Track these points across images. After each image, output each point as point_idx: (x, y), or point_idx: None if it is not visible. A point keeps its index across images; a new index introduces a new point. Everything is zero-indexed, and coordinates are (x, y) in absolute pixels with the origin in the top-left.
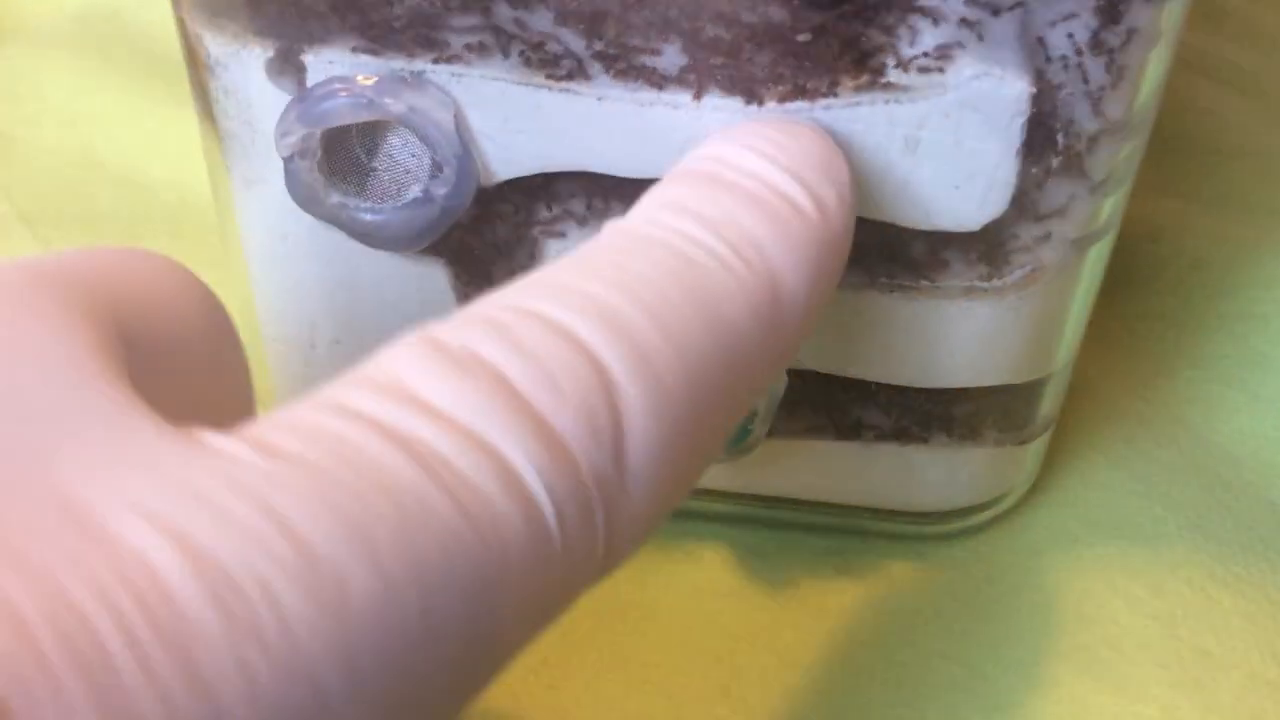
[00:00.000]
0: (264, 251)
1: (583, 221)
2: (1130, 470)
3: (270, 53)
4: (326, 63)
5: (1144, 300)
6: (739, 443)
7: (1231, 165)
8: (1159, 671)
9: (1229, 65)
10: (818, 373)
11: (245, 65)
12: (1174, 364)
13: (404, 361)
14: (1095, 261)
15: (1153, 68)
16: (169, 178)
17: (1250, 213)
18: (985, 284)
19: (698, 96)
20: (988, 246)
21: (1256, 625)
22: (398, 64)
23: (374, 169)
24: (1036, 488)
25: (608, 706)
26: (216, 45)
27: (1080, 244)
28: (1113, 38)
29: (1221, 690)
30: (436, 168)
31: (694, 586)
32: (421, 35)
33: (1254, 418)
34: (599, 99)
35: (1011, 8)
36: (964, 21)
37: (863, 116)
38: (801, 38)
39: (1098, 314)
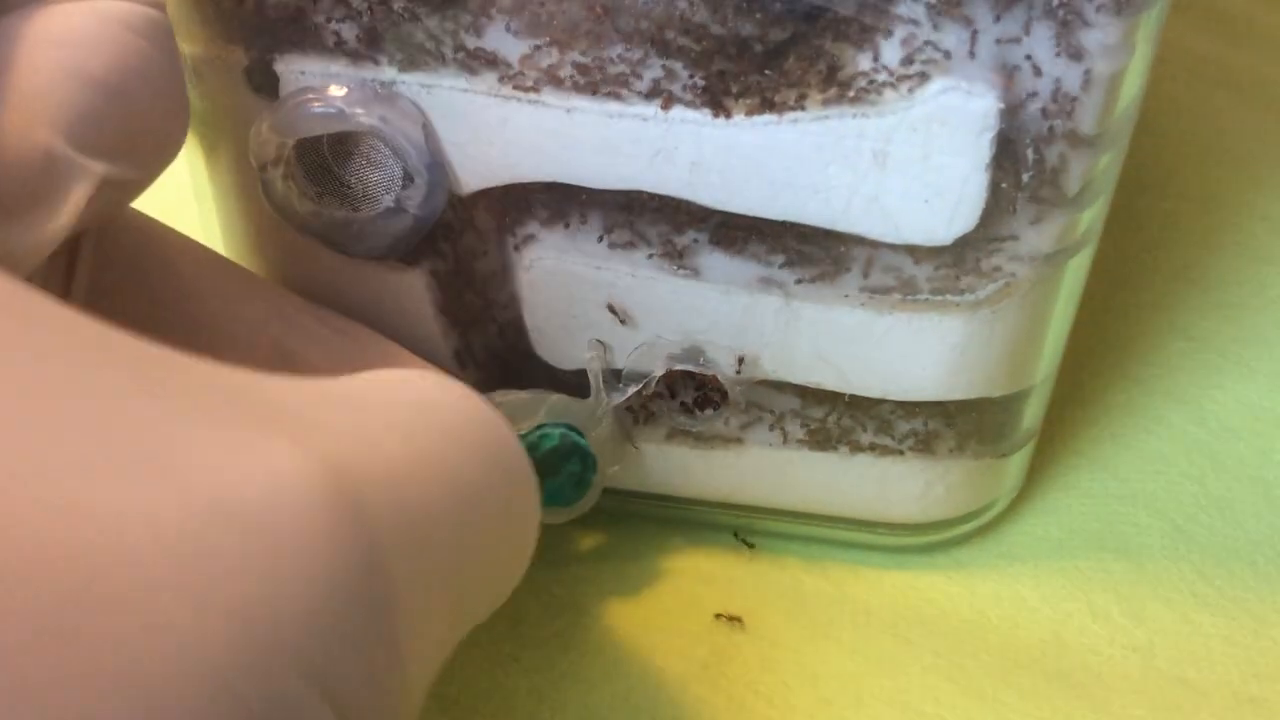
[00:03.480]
0: (244, 258)
1: (554, 231)
2: (1114, 472)
3: (244, 62)
4: (298, 73)
5: (1137, 293)
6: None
7: (1226, 168)
8: (1138, 698)
9: (1225, 68)
10: (794, 385)
11: (220, 73)
12: (1167, 338)
13: None
14: (1074, 274)
15: (1128, 81)
16: (165, 178)
17: (1244, 218)
18: (958, 298)
19: (666, 108)
20: (959, 261)
21: (1237, 646)
22: (368, 75)
23: (346, 179)
24: (1021, 496)
25: (586, 689)
26: (192, 54)
27: (1056, 258)
28: (1084, 52)
29: (1202, 715)
30: (408, 178)
31: (675, 570)
32: (390, 46)
33: (1250, 387)
34: (568, 111)
35: (997, 19)
36: (932, 36)
37: (831, 130)
38: (770, 50)
39: (1090, 311)
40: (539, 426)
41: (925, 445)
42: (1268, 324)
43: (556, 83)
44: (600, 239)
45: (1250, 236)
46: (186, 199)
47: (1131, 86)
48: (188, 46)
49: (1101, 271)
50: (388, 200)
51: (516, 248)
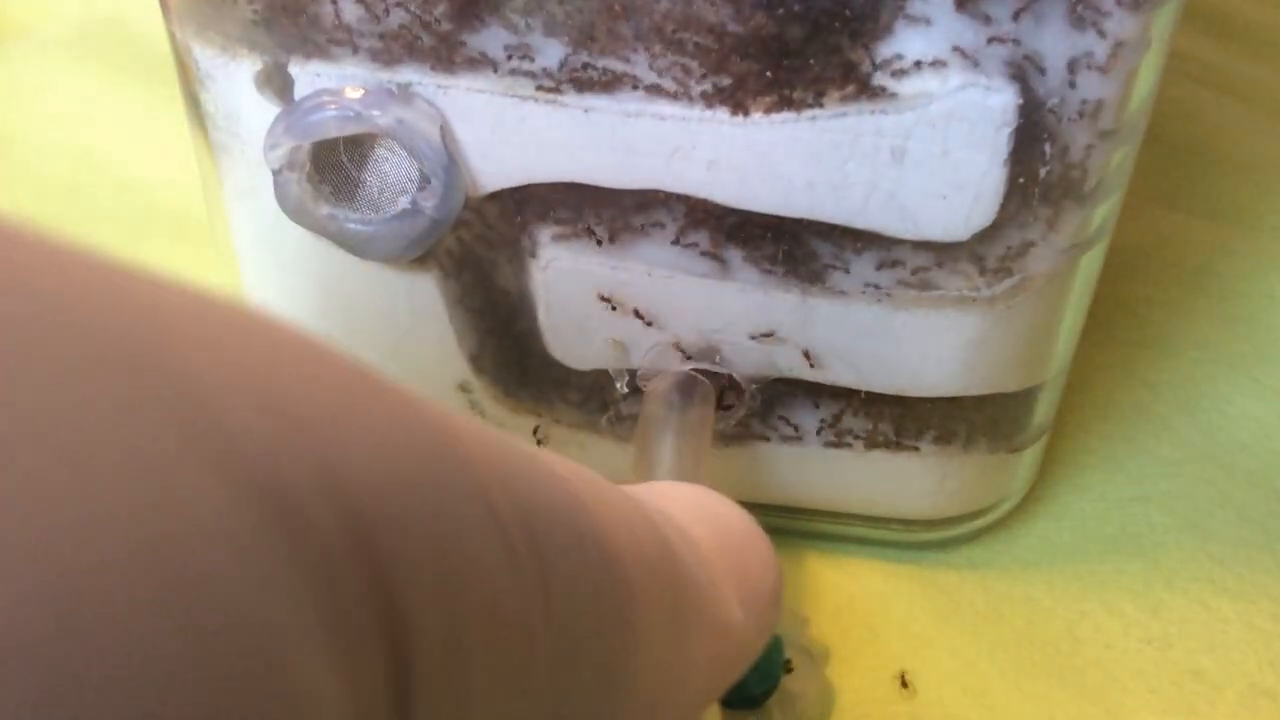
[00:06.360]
0: (255, 261)
1: (571, 231)
2: (1128, 473)
3: (258, 65)
4: (313, 75)
5: (1149, 301)
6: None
7: (1236, 178)
8: (1151, 698)
9: (1236, 77)
10: (809, 382)
11: (233, 77)
12: (1179, 346)
13: None
14: (1087, 270)
15: (1143, 76)
16: (170, 180)
17: (1254, 227)
18: (974, 293)
19: (685, 107)
20: (976, 256)
21: (1255, 631)
22: (385, 77)
23: (362, 181)
24: (1031, 495)
25: None
26: (205, 57)
27: (1071, 253)
28: (1100, 47)
29: (1216, 713)
30: (424, 180)
31: None
32: (408, 48)
33: (1260, 402)
34: (585, 110)
35: (1007, 20)
36: (950, 32)
37: (849, 127)
38: (787, 48)
39: (1101, 314)
40: None
41: (939, 441)
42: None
43: (574, 83)
44: (616, 238)
45: (1261, 245)
46: (195, 202)
47: (1146, 81)
48: (200, 48)
49: (1111, 275)
50: (404, 202)
51: (532, 248)
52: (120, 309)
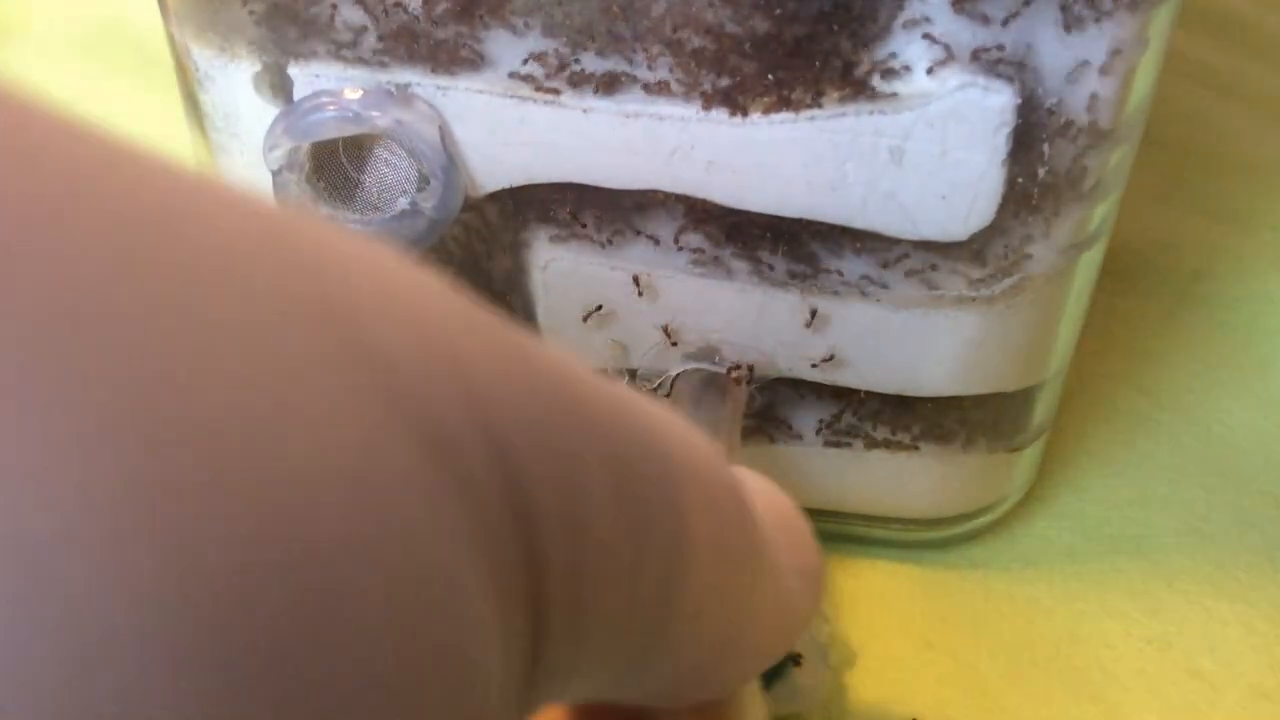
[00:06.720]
0: None
1: (570, 231)
2: (1127, 477)
3: (257, 66)
4: (313, 76)
5: (1146, 304)
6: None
7: (1235, 178)
8: (1151, 698)
9: (1236, 77)
10: (809, 381)
11: (232, 78)
12: (1176, 357)
13: None
14: (1086, 269)
15: (1141, 76)
16: None
17: (1252, 227)
18: (973, 293)
19: (684, 108)
20: (975, 256)
21: (1255, 633)
22: (384, 77)
23: (361, 182)
24: (1031, 496)
25: None
26: (204, 58)
27: (1070, 252)
28: (1098, 47)
29: (1216, 714)
30: (423, 180)
31: None
32: (407, 49)
33: (1257, 409)
34: (584, 111)
35: (1004, 21)
36: (948, 32)
37: (848, 127)
38: (786, 49)
39: (1099, 317)
40: None
41: (939, 441)
42: (1277, 344)
43: (573, 83)
44: (615, 239)
45: (1259, 247)
46: None
47: (1145, 81)
48: (199, 49)
49: (1110, 281)
50: (403, 203)
51: (531, 248)
52: (293, 259)
